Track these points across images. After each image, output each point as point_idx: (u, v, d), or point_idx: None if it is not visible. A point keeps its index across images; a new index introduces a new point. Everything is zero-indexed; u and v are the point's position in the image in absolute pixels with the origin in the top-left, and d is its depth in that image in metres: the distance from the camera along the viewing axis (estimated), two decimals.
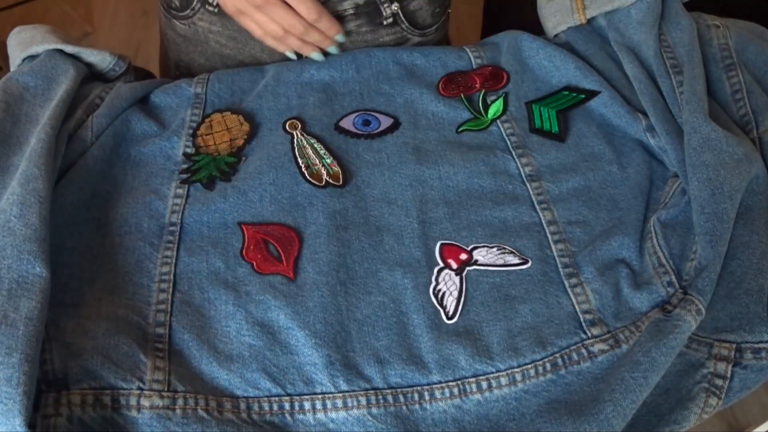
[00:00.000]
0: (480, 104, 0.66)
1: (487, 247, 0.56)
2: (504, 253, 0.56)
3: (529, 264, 0.55)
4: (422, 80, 0.69)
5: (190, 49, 0.78)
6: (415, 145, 0.64)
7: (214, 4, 0.72)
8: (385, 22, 0.74)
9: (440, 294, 0.54)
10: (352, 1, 0.71)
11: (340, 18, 0.73)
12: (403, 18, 0.75)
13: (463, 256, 0.56)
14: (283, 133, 0.65)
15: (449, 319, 0.53)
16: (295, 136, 0.64)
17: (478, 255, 0.56)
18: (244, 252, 0.56)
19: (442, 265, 0.56)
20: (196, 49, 0.77)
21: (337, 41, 0.67)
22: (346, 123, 0.65)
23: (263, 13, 0.62)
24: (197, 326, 0.52)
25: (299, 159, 0.62)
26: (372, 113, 0.66)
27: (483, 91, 0.66)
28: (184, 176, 0.61)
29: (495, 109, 0.65)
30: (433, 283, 0.54)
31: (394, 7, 0.73)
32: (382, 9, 0.73)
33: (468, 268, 0.55)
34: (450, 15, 0.81)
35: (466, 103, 0.65)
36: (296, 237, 0.57)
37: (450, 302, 0.53)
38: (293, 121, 0.66)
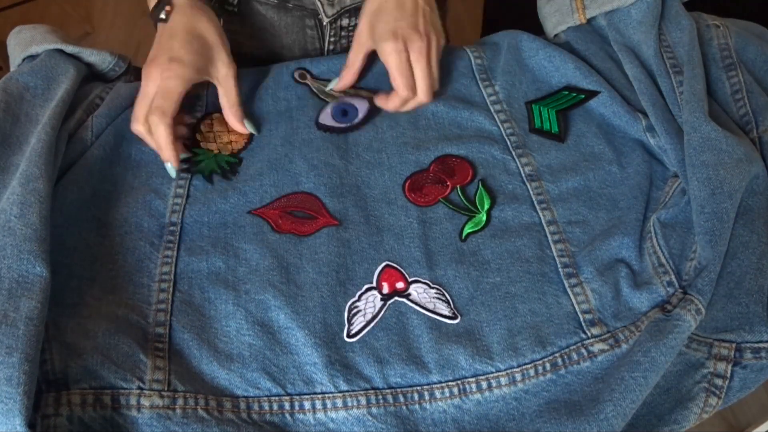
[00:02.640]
0: (465, 203, 0.60)
1: (427, 286, 0.54)
2: (440, 299, 0.54)
3: (457, 320, 0.52)
4: None
5: None
6: (415, 144, 0.64)
7: (234, 3, 0.72)
8: None
9: (354, 310, 0.53)
10: None
11: (359, 9, 0.74)
12: None
13: (399, 285, 0.54)
14: (295, 84, 0.68)
15: (348, 337, 0.52)
16: (310, 84, 0.68)
17: (413, 289, 0.54)
18: (276, 229, 0.57)
19: (373, 285, 0.55)
20: None
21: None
22: (325, 118, 0.65)
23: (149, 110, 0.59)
24: (197, 326, 0.52)
25: (327, 99, 0.66)
26: (346, 102, 0.65)
27: (458, 188, 0.61)
28: (185, 166, 0.61)
29: (483, 200, 0.60)
30: (354, 298, 0.54)
31: None
32: None
33: (397, 299, 0.54)
34: (447, 6, 0.82)
35: (450, 206, 0.60)
36: (313, 196, 0.59)
37: (357, 322, 0.52)
38: (301, 71, 0.68)
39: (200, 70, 0.60)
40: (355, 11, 0.74)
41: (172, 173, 0.60)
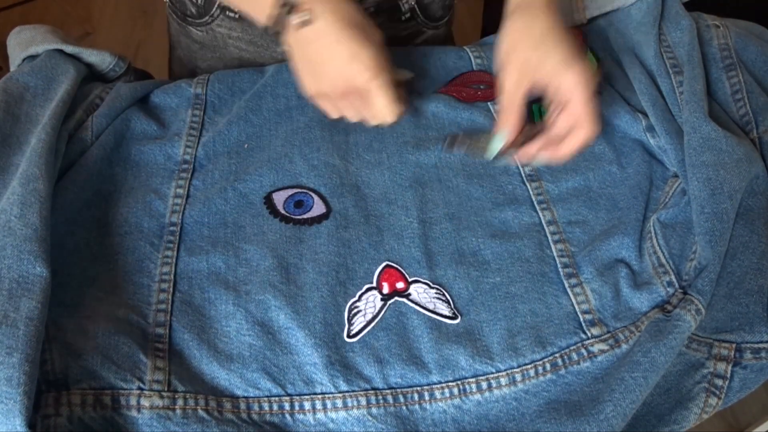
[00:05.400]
0: None
1: (428, 286, 0.54)
2: (440, 299, 0.54)
3: (457, 321, 0.53)
4: (422, 80, 0.69)
5: (208, 55, 0.77)
6: (416, 144, 0.64)
7: (235, 10, 0.72)
8: (403, 18, 0.76)
9: (355, 310, 0.53)
10: None
11: None
12: (419, 12, 0.77)
13: (400, 285, 0.54)
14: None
15: (348, 337, 0.51)
16: (462, 148, 0.62)
17: (414, 289, 0.54)
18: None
19: (374, 285, 0.54)
20: (214, 54, 0.77)
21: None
22: (278, 198, 0.60)
23: (346, 101, 0.57)
24: (197, 326, 0.52)
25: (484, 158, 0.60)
26: (309, 193, 0.60)
27: None
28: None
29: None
30: (355, 298, 0.54)
31: (412, 1, 0.75)
32: (400, 5, 0.75)
33: (397, 299, 0.54)
34: (454, 11, 0.82)
35: None
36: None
37: (358, 322, 0.52)
38: (451, 137, 0.63)
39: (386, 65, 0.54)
40: None
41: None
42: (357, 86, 0.54)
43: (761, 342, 0.50)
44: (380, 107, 0.56)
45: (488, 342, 0.52)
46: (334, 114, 0.59)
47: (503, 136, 0.56)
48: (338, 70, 0.54)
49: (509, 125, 0.56)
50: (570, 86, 0.52)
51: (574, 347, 0.51)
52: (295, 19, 0.52)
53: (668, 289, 0.52)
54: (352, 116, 0.59)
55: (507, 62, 0.55)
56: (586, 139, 0.54)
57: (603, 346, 0.50)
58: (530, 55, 0.53)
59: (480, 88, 0.68)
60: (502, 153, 0.57)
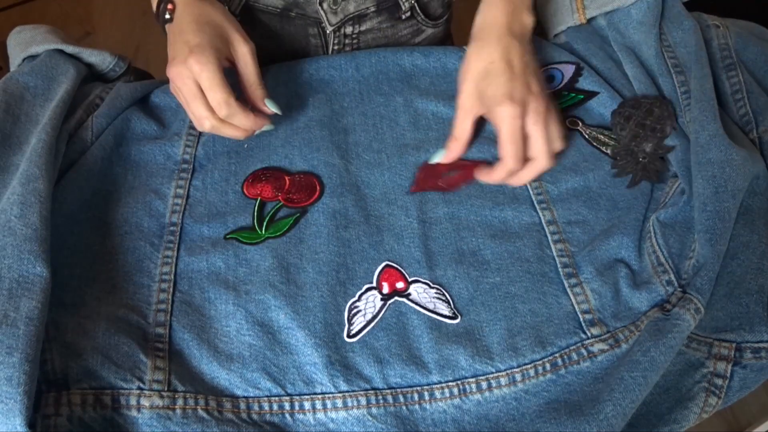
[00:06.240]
0: None
1: (428, 286, 0.54)
2: (440, 299, 0.54)
3: (457, 321, 0.53)
4: (422, 80, 0.69)
5: None
6: (416, 145, 0.64)
7: (236, 13, 0.72)
8: (403, 16, 0.77)
9: (354, 310, 0.53)
10: None
11: (362, 16, 0.74)
12: (418, 10, 0.77)
13: (400, 285, 0.54)
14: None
15: (348, 337, 0.52)
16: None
17: (413, 289, 0.54)
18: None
19: (374, 285, 0.55)
20: None
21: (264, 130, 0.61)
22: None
23: (183, 83, 0.57)
24: (197, 326, 0.52)
25: None
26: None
27: None
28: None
29: None
30: (354, 298, 0.54)
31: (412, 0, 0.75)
32: (400, 3, 0.75)
33: (397, 298, 0.54)
34: (453, 10, 0.83)
35: None
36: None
37: (358, 322, 0.52)
38: None
39: (221, 51, 0.57)
40: (358, 18, 0.74)
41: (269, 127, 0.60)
42: (191, 71, 0.55)
43: (761, 341, 0.50)
44: (239, 124, 0.57)
45: (488, 342, 0.52)
46: (175, 93, 0.58)
47: (441, 155, 0.61)
48: (177, 49, 0.57)
49: (452, 151, 0.61)
50: (501, 117, 0.55)
51: (574, 347, 0.51)
52: (164, 15, 0.59)
53: (668, 288, 0.52)
54: (195, 113, 0.57)
55: (461, 90, 0.59)
56: (503, 176, 0.57)
57: (603, 346, 0.51)
58: (478, 85, 0.58)
59: None
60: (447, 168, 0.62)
